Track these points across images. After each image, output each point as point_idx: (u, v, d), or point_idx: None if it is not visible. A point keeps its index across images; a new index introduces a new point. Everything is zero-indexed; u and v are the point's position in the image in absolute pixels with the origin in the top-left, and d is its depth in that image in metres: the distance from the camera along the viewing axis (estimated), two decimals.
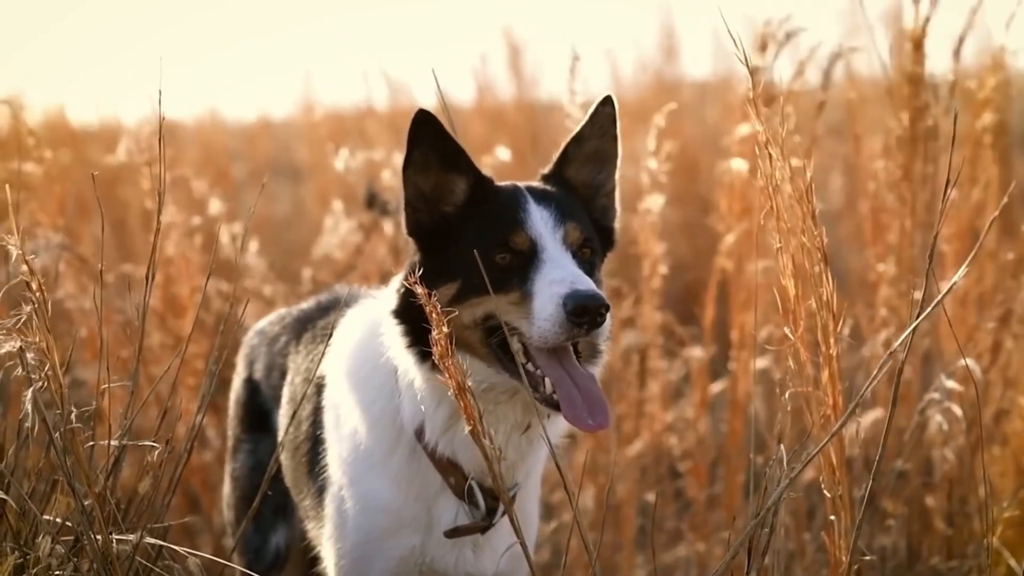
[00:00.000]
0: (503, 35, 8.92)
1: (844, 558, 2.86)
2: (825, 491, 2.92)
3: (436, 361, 2.60)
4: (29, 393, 2.63)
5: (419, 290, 2.55)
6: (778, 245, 2.89)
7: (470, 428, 2.61)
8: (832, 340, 2.89)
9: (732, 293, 4.94)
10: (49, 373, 2.67)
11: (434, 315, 2.56)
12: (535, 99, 9.26)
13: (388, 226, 5.77)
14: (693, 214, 7.86)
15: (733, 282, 4.93)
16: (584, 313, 2.66)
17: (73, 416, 2.70)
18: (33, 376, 2.65)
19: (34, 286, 2.69)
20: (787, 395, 2.87)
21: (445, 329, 2.55)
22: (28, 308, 2.67)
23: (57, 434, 2.70)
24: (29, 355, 2.65)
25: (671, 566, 4.93)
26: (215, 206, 5.59)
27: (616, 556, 4.84)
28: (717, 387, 5.34)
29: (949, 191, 2.74)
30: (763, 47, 4.63)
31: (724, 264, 4.94)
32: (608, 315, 2.72)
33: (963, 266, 2.70)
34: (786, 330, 2.90)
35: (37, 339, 2.67)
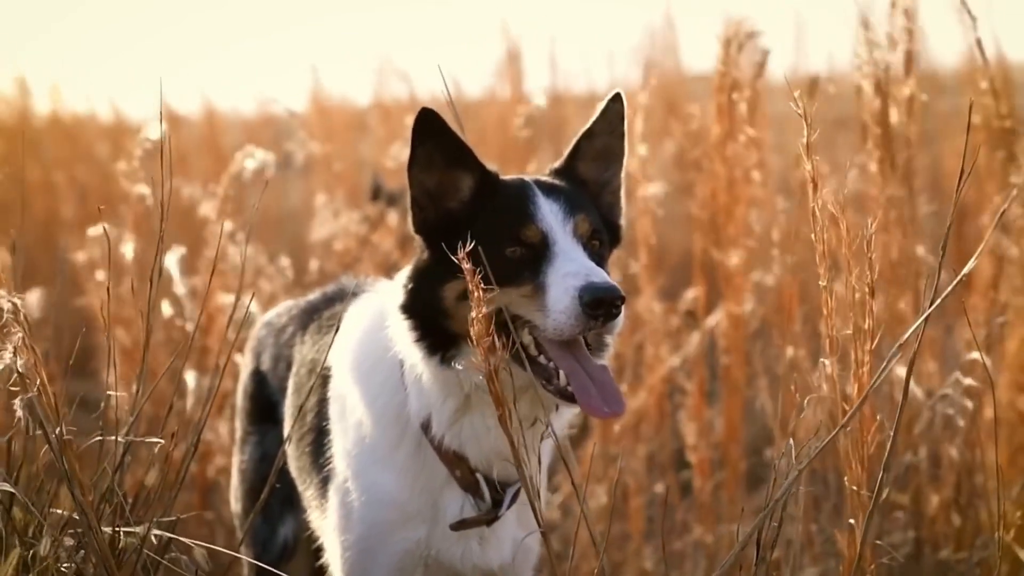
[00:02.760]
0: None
1: (858, 552, 2.86)
2: (850, 486, 2.92)
3: (476, 346, 2.60)
4: (19, 402, 2.66)
5: (465, 265, 2.54)
6: (823, 283, 2.89)
7: (499, 413, 2.62)
8: (865, 359, 2.88)
9: (720, 278, 4.95)
10: (40, 388, 2.69)
11: (475, 294, 2.55)
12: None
13: (393, 217, 5.77)
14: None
15: (720, 266, 4.94)
16: (600, 305, 2.65)
17: (64, 428, 2.72)
18: (27, 382, 2.67)
19: (8, 307, 2.71)
20: (807, 401, 2.87)
21: (484, 309, 2.56)
22: (17, 335, 2.69)
23: (54, 440, 2.71)
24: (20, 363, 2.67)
25: (680, 558, 4.93)
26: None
27: (625, 547, 4.84)
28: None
29: (963, 183, 2.73)
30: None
31: (711, 251, 4.95)
32: (623, 307, 2.71)
33: (973, 258, 2.68)
34: (824, 361, 2.89)
35: (25, 357, 2.69)
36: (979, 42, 4.27)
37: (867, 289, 2.82)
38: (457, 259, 2.57)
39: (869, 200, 4.44)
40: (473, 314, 2.56)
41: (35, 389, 2.69)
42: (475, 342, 2.58)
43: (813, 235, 2.89)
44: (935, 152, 8.05)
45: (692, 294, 5.31)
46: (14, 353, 2.67)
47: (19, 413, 2.66)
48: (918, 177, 4.62)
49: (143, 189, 5.01)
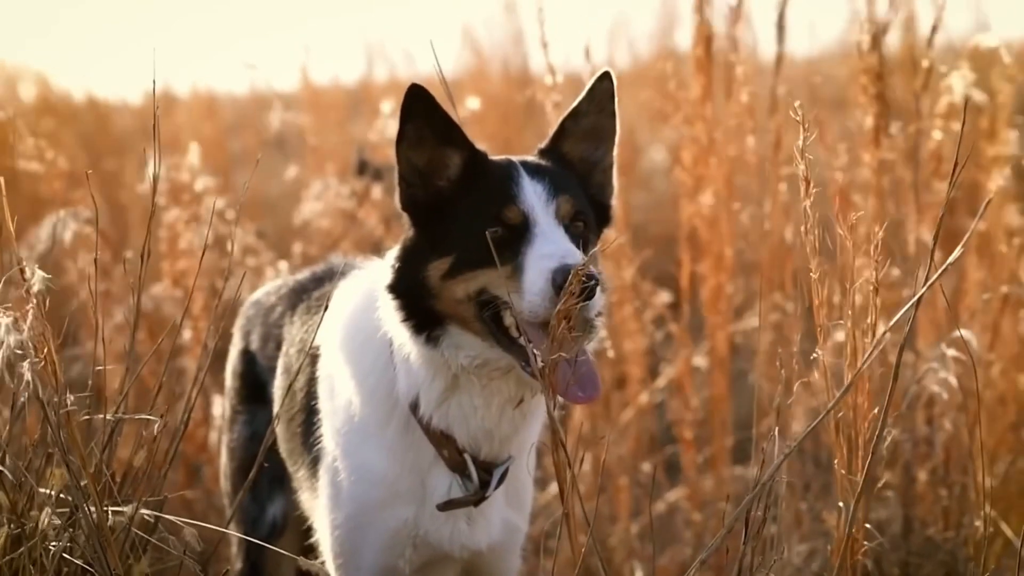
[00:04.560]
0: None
1: (847, 535, 2.87)
2: (840, 470, 2.93)
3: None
4: (26, 366, 2.63)
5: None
6: (815, 274, 2.88)
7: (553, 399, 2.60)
8: (862, 354, 2.88)
9: (703, 252, 4.95)
10: (46, 357, 2.68)
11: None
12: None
13: (379, 191, 5.75)
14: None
15: (704, 241, 4.93)
16: None
17: (68, 400, 2.71)
18: (30, 355, 2.66)
19: (30, 276, 2.69)
20: (796, 385, 2.88)
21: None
22: (31, 303, 2.67)
23: (52, 412, 2.70)
24: (25, 335, 2.66)
25: (667, 537, 4.95)
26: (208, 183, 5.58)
27: (611, 527, 4.85)
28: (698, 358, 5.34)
29: (958, 172, 2.72)
30: None
31: (695, 221, 4.94)
32: (599, 289, 2.70)
33: (960, 245, 2.68)
34: (818, 351, 2.90)
35: (34, 327, 2.67)
36: None
37: (871, 289, 2.82)
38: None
39: (862, 166, 4.44)
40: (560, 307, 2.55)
41: (42, 358, 2.67)
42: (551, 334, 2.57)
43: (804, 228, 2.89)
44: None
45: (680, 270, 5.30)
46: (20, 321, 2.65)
47: (27, 377, 2.63)
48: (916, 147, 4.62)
49: None
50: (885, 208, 4.47)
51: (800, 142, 2.83)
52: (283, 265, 5.59)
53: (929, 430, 4.32)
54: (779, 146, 4.63)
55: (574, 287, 2.57)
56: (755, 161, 4.96)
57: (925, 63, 4.54)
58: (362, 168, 6.40)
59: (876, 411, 2.90)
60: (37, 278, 2.66)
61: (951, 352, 4.00)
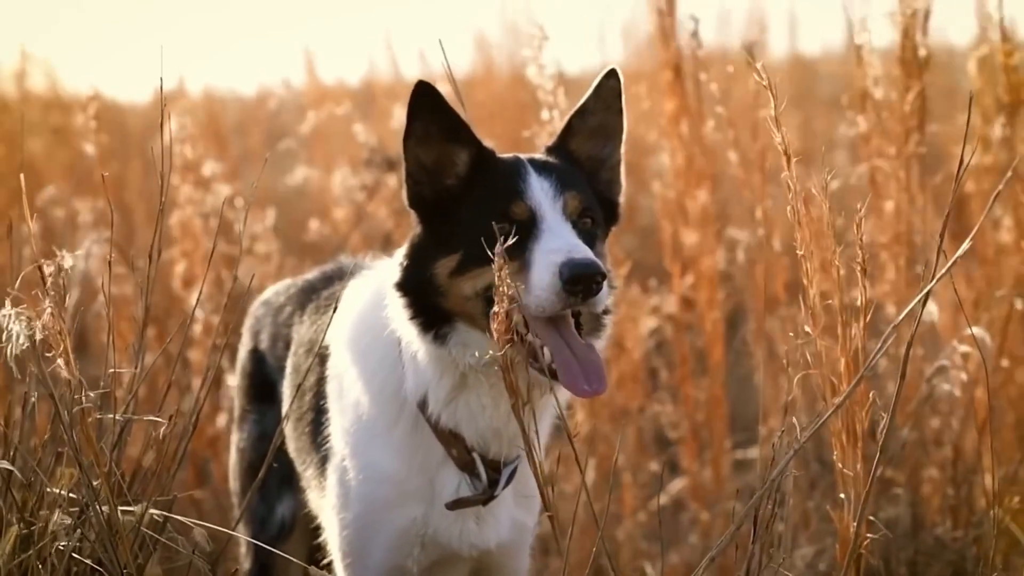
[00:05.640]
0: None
1: (851, 532, 2.87)
2: (840, 466, 2.92)
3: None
4: (45, 370, 2.64)
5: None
6: (801, 252, 2.89)
7: (512, 402, 2.62)
8: (852, 333, 2.88)
9: (692, 269, 4.96)
10: (63, 357, 2.68)
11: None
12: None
13: (390, 183, 5.74)
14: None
15: (690, 258, 4.94)
16: (579, 281, 2.65)
17: (83, 397, 2.71)
18: (48, 354, 2.66)
19: (49, 275, 2.69)
20: (797, 379, 2.87)
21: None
22: (47, 301, 2.67)
23: (65, 411, 2.70)
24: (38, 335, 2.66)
25: (670, 537, 4.94)
26: (218, 183, 5.59)
27: (616, 527, 4.85)
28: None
29: (963, 170, 2.72)
30: None
31: (680, 230, 4.95)
32: (605, 284, 2.71)
33: (968, 239, 2.68)
34: (807, 328, 2.90)
35: (51, 324, 2.67)
36: None
37: (859, 267, 2.82)
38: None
39: (877, 153, 4.43)
40: (496, 309, 2.57)
41: (59, 357, 2.67)
42: (495, 338, 2.58)
43: (790, 209, 2.89)
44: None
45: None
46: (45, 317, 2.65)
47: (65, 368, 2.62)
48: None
49: None
50: (915, 204, 4.45)
51: (772, 110, 2.83)
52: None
53: (938, 429, 4.32)
54: (764, 160, 4.63)
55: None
56: (741, 175, 4.94)
57: (923, 52, 4.49)
58: (374, 160, 6.39)
59: (872, 397, 2.90)
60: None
61: (963, 347, 3.99)
